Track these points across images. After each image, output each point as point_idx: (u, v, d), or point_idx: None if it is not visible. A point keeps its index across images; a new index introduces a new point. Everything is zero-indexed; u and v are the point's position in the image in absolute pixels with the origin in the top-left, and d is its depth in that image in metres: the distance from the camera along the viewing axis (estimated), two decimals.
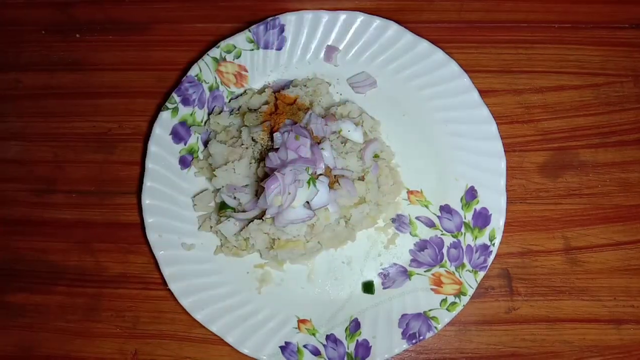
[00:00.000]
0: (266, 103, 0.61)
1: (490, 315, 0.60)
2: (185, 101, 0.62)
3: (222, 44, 0.63)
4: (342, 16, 0.63)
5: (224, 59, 0.63)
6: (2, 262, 0.63)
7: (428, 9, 0.66)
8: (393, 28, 0.62)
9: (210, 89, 0.63)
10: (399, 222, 0.61)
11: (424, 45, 0.62)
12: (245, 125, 0.60)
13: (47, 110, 0.67)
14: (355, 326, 0.59)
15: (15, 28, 0.69)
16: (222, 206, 0.59)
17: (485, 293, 0.60)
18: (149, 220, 0.60)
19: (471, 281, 0.58)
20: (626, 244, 0.61)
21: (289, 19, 0.63)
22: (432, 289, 0.59)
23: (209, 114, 0.63)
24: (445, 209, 0.61)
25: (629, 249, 0.60)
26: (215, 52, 0.63)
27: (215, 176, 0.59)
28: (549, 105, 0.64)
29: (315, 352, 0.58)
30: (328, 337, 0.59)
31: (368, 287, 0.60)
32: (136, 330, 0.61)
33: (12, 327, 0.62)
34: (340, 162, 0.58)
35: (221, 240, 0.60)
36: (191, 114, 0.63)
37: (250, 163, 0.59)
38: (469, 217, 0.60)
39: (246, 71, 0.64)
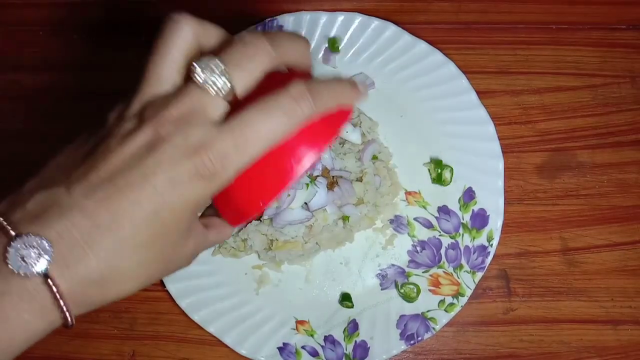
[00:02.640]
0: None
1: (488, 316, 0.60)
2: None
3: None
4: (340, 17, 0.63)
5: None
6: None
7: (426, 10, 0.66)
8: (391, 29, 0.62)
9: None
10: (397, 223, 0.61)
11: (422, 46, 0.62)
12: None
13: (46, 112, 0.67)
14: (353, 327, 0.59)
15: (13, 28, 0.69)
16: None
17: (483, 294, 0.60)
18: None
19: (469, 282, 0.58)
20: (623, 244, 0.61)
21: (287, 20, 0.63)
22: (430, 290, 0.59)
23: None
24: (443, 210, 0.61)
25: (626, 250, 0.61)
26: None
27: None
28: (546, 106, 0.64)
29: (314, 353, 0.58)
30: (326, 338, 0.59)
31: (346, 298, 0.59)
32: (134, 332, 0.61)
33: None
34: (338, 163, 0.58)
35: None
36: None
37: None
38: (466, 218, 0.60)
39: None
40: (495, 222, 0.59)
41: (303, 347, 0.58)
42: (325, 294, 0.60)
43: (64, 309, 0.29)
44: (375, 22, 0.62)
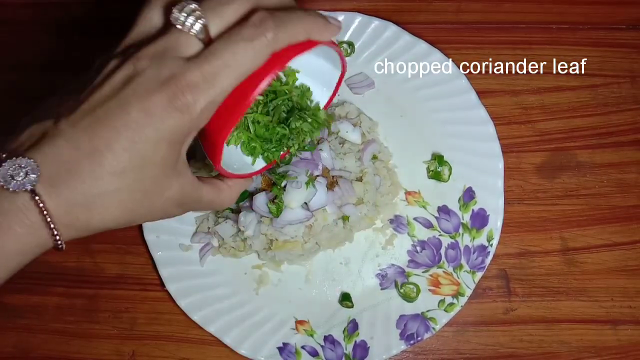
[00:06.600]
0: None
1: (488, 316, 0.60)
2: None
3: None
4: (340, 17, 0.63)
5: None
6: None
7: (426, 9, 0.66)
8: (391, 29, 0.62)
9: None
10: (396, 223, 0.61)
11: (422, 46, 0.62)
12: None
13: None
14: (353, 327, 0.59)
15: (14, 28, 0.69)
16: None
17: (483, 294, 0.60)
18: None
19: (469, 282, 0.58)
20: (623, 244, 0.61)
21: None
22: (430, 290, 0.59)
23: None
24: (443, 210, 0.61)
25: (626, 250, 0.61)
26: None
27: None
28: (546, 106, 0.64)
29: (313, 353, 0.58)
30: (326, 338, 0.59)
31: (345, 298, 0.59)
32: (133, 332, 0.61)
33: (9, 328, 0.62)
34: (338, 163, 0.58)
35: (219, 241, 0.60)
36: None
37: None
38: (466, 218, 0.60)
39: None
40: (495, 222, 0.59)
41: (303, 347, 0.58)
42: (325, 294, 0.60)
43: (52, 226, 0.31)
44: (375, 22, 0.62)
